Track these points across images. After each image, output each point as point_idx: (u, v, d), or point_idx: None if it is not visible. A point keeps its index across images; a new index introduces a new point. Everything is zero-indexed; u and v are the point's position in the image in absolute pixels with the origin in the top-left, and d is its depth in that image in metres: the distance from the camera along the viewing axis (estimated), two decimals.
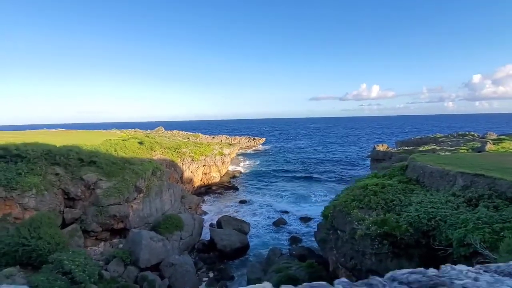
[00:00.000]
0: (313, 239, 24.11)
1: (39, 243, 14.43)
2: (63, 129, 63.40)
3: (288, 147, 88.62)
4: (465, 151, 27.80)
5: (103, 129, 79.80)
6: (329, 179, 46.35)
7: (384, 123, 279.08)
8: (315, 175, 49.11)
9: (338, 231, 10.44)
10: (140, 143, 28.98)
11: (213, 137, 74.88)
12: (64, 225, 17.76)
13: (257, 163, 61.34)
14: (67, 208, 18.14)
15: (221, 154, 38.79)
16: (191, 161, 32.07)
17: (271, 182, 44.70)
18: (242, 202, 34.66)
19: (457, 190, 8.95)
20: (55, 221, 16.76)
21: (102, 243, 19.06)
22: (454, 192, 8.89)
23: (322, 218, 17.00)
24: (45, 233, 14.97)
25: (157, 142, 31.07)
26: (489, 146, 25.72)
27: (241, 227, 24.77)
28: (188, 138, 62.73)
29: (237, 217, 27.73)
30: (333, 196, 36.34)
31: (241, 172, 49.25)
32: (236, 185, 41.00)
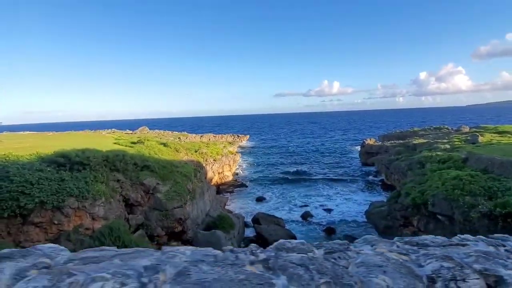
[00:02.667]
0: (346, 228, 26.36)
1: None
2: (31, 132, 57.69)
3: (272, 143, 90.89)
4: (459, 143, 32.06)
5: (72, 130, 74.09)
6: (327, 173, 49.21)
7: (352, 118, 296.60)
8: (311, 170, 51.76)
9: (438, 216, 12.39)
10: (164, 144, 28.45)
11: (201, 136, 73.96)
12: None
13: (251, 159, 62.41)
14: (131, 215, 17.77)
15: (232, 153, 39.33)
16: (213, 161, 32.24)
17: (274, 179, 46.21)
18: (259, 199, 35.72)
19: None
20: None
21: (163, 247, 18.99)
22: None
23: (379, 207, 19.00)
24: (129, 241, 14.77)
25: (180, 144, 30.64)
26: (481, 138, 30.14)
27: (278, 222, 26.01)
28: (179, 138, 61.48)
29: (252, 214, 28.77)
30: (339, 188, 39.51)
31: (240, 170, 50.03)
32: (243, 182, 41.81)
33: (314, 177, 46.93)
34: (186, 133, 77.43)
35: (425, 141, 38.10)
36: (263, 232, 22.45)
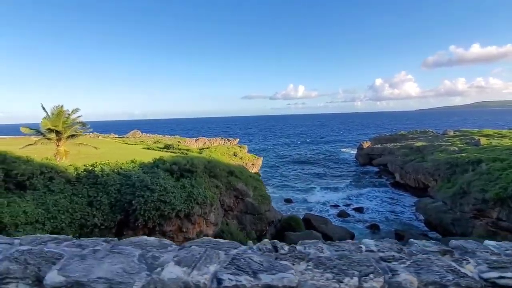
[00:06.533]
0: (387, 224, 28.93)
1: None
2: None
3: (262, 147, 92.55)
4: (462, 145, 36.82)
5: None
6: (333, 174, 52.16)
7: (319, 121, 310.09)
8: (317, 172, 54.43)
9: None
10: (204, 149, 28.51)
11: (196, 140, 72.88)
12: None
13: None
14: (229, 220, 18.07)
15: (254, 157, 40.22)
16: (252, 165, 32.82)
17: (286, 180, 47.81)
18: (287, 201, 37.05)
19: None
20: None
21: None
22: None
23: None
24: None
25: (221, 149, 30.78)
26: (482, 142, 35.12)
27: (325, 222, 27.66)
28: (179, 142, 60.27)
29: (299, 214, 30.24)
30: (352, 189, 42.35)
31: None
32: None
33: (324, 179, 49.55)
34: (179, 136, 75.65)
35: (427, 143, 42.73)
36: (327, 231, 23.89)
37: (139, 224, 12.53)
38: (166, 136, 75.76)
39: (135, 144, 38.37)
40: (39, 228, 10.11)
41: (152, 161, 16.69)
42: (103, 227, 12.23)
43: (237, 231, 15.93)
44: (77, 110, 15.58)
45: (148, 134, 72.15)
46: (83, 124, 16.31)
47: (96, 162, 14.25)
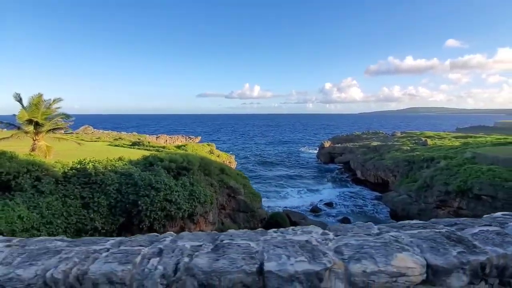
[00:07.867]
0: (357, 217, 31.22)
1: None
2: None
3: (225, 147, 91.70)
4: (412, 145, 41.59)
5: None
6: (298, 174, 54.25)
7: (275, 121, 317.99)
8: (282, 172, 56.06)
9: (483, 196, 17.86)
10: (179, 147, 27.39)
11: (157, 137, 69.03)
12: None
13: None
14: (223, 219, 17.67)
15: (228, 155, 39.66)
16: (229, 164, 32.19)
17: (256, 179, 48.28)
18: None
19: None
20: None
21: None
22: None
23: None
24: None
25: (199, 146, 29.62)
26: (429, 142, 40.16)
27: (303, 217, 28.82)
28: (138, 139, 56.62)
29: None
30: (318, 186, 44.78)
31: None
32: None
33: (290, 177, 51.27)
34: (137, 133, 70.80)
35: (381, 143, 47.19)
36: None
37: (144, 226, 11.56)
38: (123, 132, 70.22)
39: (94, 141, 34.90)
40: (36, 235, 8.69)
41: (143, 158, 15.46)
42: (104, 231, 11.00)
43: (237, 228, 15.70)
44: (59, 100, 13.45)
45: (102, 130, 65.93)
46: (67, 116, 14.19)
47: (84, 159, 12.66)
